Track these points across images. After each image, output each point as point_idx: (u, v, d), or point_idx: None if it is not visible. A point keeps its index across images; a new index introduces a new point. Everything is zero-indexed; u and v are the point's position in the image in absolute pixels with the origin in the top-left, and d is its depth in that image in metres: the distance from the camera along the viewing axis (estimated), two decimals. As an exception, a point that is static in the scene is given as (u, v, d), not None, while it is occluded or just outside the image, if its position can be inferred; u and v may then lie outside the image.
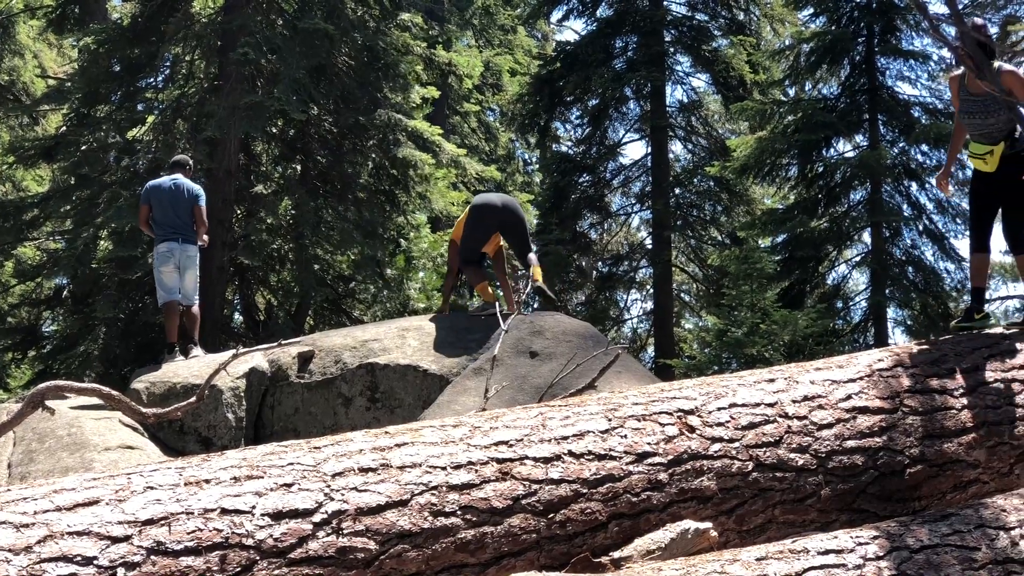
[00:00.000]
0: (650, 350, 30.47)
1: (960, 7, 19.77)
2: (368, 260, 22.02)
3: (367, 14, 21.71)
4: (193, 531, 4.99)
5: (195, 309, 14.50)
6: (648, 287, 31.93)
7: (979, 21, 8.99)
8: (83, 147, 20.61)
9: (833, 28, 25.11)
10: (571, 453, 5.96)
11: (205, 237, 14.46)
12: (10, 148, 22.75)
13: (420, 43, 22.39)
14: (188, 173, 14.67)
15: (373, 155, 21.47)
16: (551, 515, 5.70)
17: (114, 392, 7.88)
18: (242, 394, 12.89)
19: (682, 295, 34.81)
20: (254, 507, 5.17)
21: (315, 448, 5.73)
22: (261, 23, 20.59)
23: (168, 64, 22.38)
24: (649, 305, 32.07)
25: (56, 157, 21.38)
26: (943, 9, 21.32)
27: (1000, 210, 9.32)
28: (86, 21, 21.87)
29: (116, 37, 20.60)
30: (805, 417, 6.62)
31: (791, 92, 28.57)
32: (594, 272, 31.80)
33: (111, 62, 21.08)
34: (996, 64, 8.83)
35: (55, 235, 23.47)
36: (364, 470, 5.53)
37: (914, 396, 6.98)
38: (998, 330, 8.48)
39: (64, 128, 21.73)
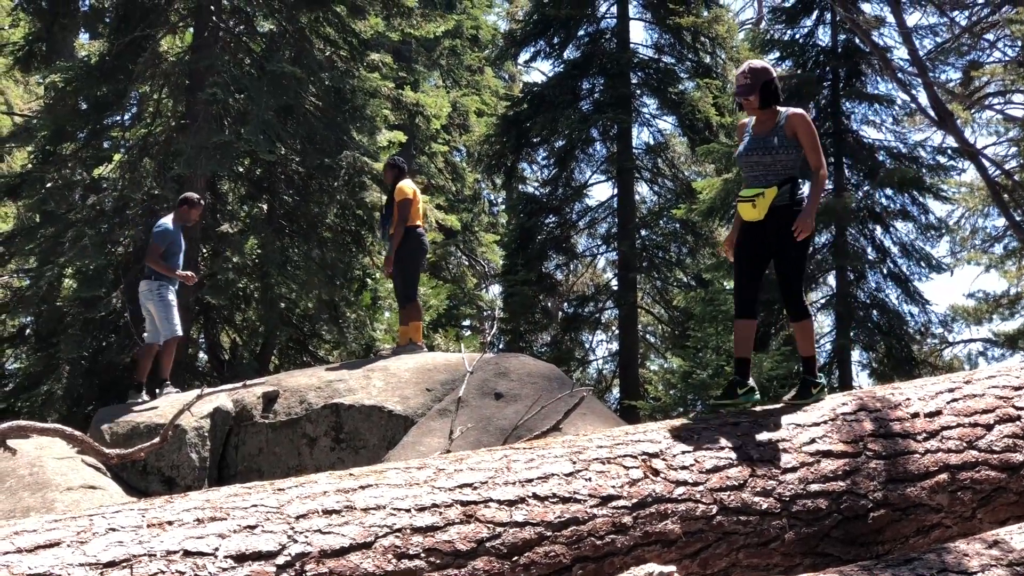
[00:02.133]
0: (615, 391, 30.46)
1: (923, 54, 19.95)
2: (334, 300, 21.98)
3: (335, 54, 21.74)
4: (155, 573, 4.98)
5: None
6: (613, 328, 32.02)
7: (758, 64, 8.35)
8: (48, 184, 20.53)
9: (799, 72, 25.29)
10: (535, 496, 5.97)
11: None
12: (-26, 185, 22.64)
13: (388, 83, 22.43)
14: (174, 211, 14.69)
15: (339, 196, 21.45)
16: (515, 558, 5.70)
17: (77, 433, 7.85)
18: (206, 434, 12.84)
19: (647, 336, 34.89)
20: (217, 549, 5.16)
21: (279, 490, 5.73)
22: (229, 63, 20.59)
23: (135, 102, 22.34)
24: (614, 346, 32.16)
25: (21, 195, 21.27)
26: (908, 54, 21.47)
27: (775, 269, 8.34)
28: (53, 59, 21.80)
29: (84, 75, 20.53)
30: (769, 461, 6.64)
31: (757, 135, 28.72)
32: (560, 313, 31.79)
33: (78, 100, 21.02)
34: (783, 109, 8.32)
35: (19, 273, 23.34)
36: (328, 512, 5.53)
37: (877, 440, 7.01)
38: (779, 405, 7.87)
39: (30, 165, 21.65)
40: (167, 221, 14.35)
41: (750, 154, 8.29)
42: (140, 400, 13.88)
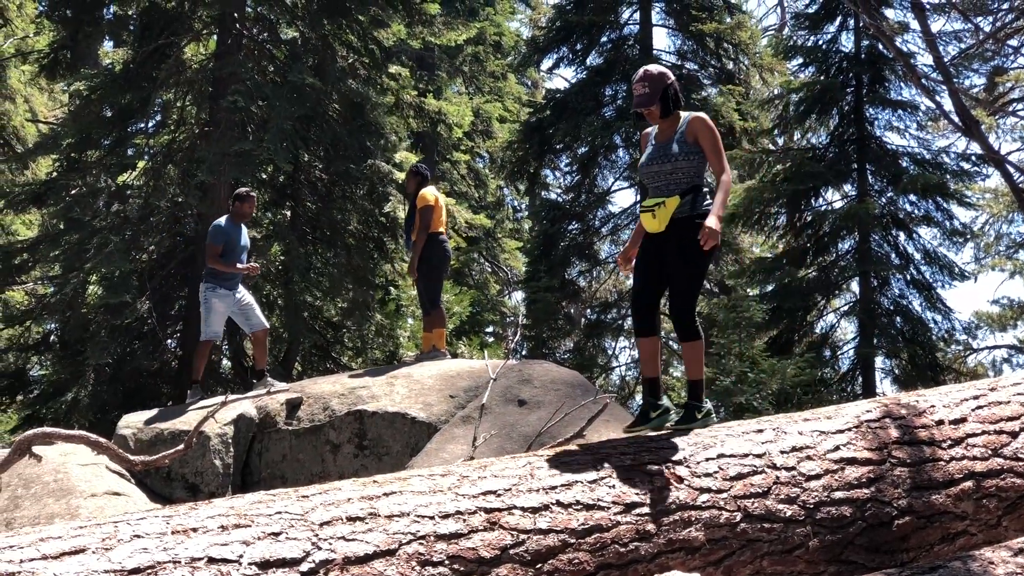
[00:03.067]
0: (637, 398, 30.41)
1: (948, 60, 19.89)
2: (357, 306, 22.01)
3: (358, 62, 21.77)
4: (180, 580, 4.98)
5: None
6: (636, 335, 31.95)
7: (655, 69, 7.86)
8: (73, 192, 20.58)
9: (822, 78, 25.26)
10: (559, 503, 5.97)
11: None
12: (0, 193, 22.71)
13: (411, 91, 22.45)
14: (228, 210, 14.71)
15: (362, 203, 21.48)
16: (539, 565, 5.69)
17: (102, 440, 7.87)
18: (230, 441, 12.87)
19: (670, 343, 34.81)
20: (241, 556, 5.16)
21: (303, 497, 5.73)
22: (252, 70, 20.64)
23: (159, 110, 22.41)
24: (637, 353, 32.06)
25: (46, 202, 21.33)
26: (933, 60, 21.39)
27: (669, 282, 7.80)
28: (78, 66, 21.88)
29: (108, 82, 20.60)
30: (793, 468, 6.62)
31: (780, 141, 28.71)
32: (582, 319, 31.77)
33: (102, 107, 21.07)
34: (684, 114, 7.88)
35: (44, 280, 23.42)
36: (352, 519, 5.53)
37: (902, 447, 6.97)
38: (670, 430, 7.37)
39: (54, 173, 21.71)
40: (221, 220, 14.37)
41: (651, 164, 7.86)
42: (199, 398, 13.95)
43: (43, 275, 22.96)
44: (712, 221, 7.39)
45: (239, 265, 14.28)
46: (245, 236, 14.45)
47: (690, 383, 7.74)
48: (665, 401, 7.65)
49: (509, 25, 38.44)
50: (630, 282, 33.12)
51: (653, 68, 7.93)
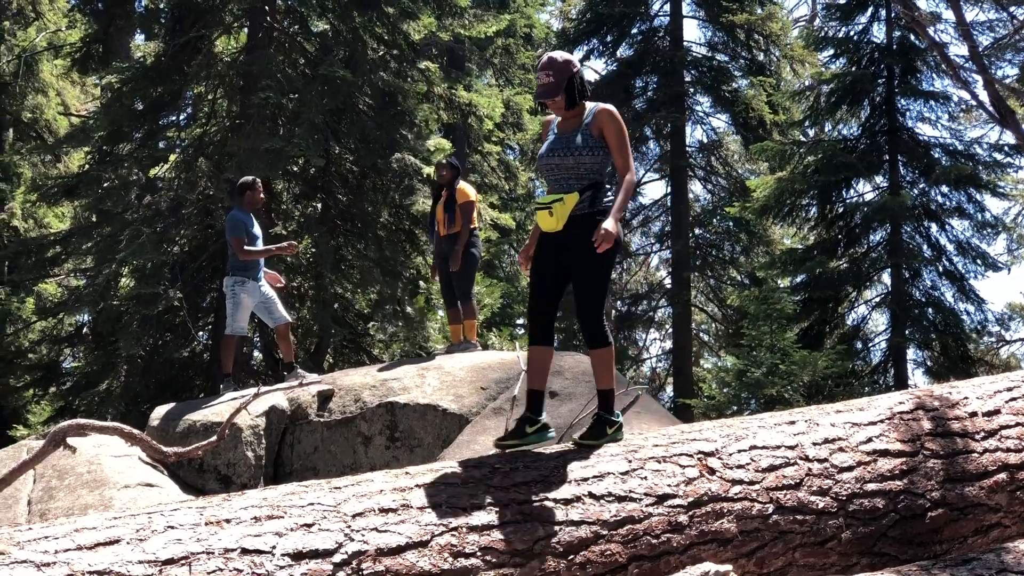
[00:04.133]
0: (669, 389, 30.44)
1: (980, 50, 19.81)
2: (387, 299, 22.04)
3: (388, 55, 21.78)
4: (214, 571, 5.01)
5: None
6: (667, 326, 31.98)
7: (560, 57, 7.26)
8: (105, 184, 20.67)
9: (853, 69, 25.16)
10: (591, 494, 5.97)
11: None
12: (33, 186, 22.82)
13: (441, 84, 22.44)
14: (238, 200, 14.59)
15: (393, 195, 21.49)
16: (571, 556, 5.70)
17: (136, 431, 7.89)
18: (262, 432, 12.90)
19: (701, 335, 34.80)
20: (274, 547, 5.19)
21: (336, 488, 5.75)
22: (283, 63, 20.68)
23: (190, 103, 22.48)
24: (668, 344, 32.16)
25: (78, 195, 21.42)
26: (966, 50, 21.30)
27: (573, 286, 7.30)
28: (109, 60, 21.96)
29: (139, 76, 20.67)
30: (826, 460, 6.61)
31: (811, 133, 28.64)
32: (613, 311, 31.78)
33: (134, 100, 21.15)
34: (590, 104, 7.30)
35: (76, 272, 23.53)
36: (384, 510, 5.55)
37: (935, 439, 6.95)
38: (558, 447, 6.92)
39: (86, 166, 21.80)
40: (235, 212, 14.28)
41: (551, 155, 7.28)
42: (231, 390, 13.96)
43: (75, 267, 23.07)
44: (609, 223, 6.88)
45: (275, 247, 14.27)
46: (257, 226, 14.35)
47: (600, 393, 7.22)
48: (544, 417, 7.13)
49: (539, 17, 38.43)
50: (661, 273, 33.32)
51: (558, 55, 7.37)
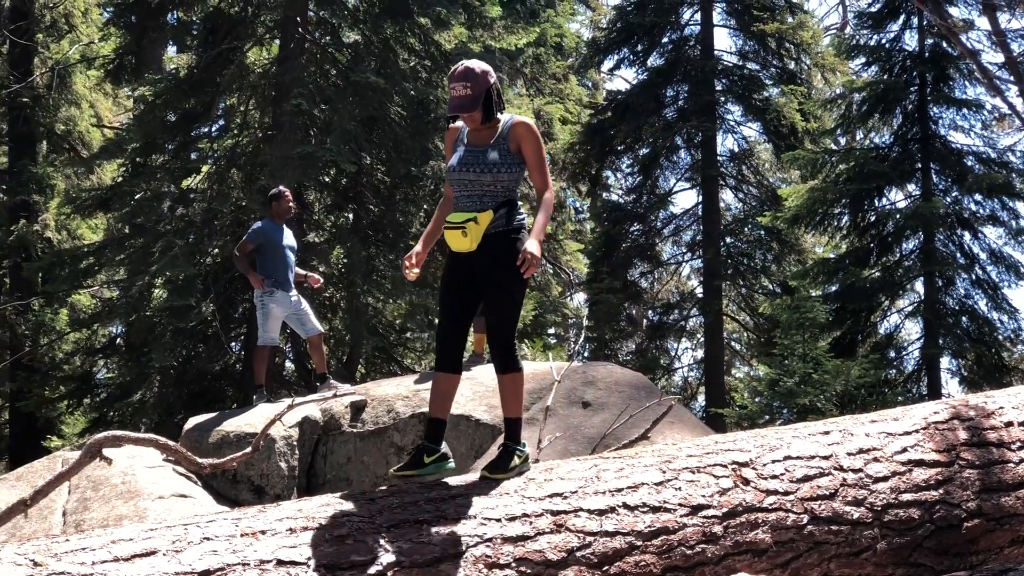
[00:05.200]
0: (700, 399, 30.37)
1: (1015, 55, 19.72)
2: (419, 309, 22.06)
3: (419, 65, 21.82)
4: (250, 582, 5.03)
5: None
6: (699, 336, 31.85)
7: (477, 67, 6.82)
8: (138, 196, 20.75)
9: (885, 77, 25.06)
10: (625, 505, 5.97)
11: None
12: (66, 198, 22.93)
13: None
14: (267, 211, 14.65)
15: (425, 205, 21.52)
16: (606, 567, 5.70)
17: (171, 443, 7.93)
18: (295, 443, 12.94)
19: (733, 344, 34.68)
20: (310, 559, 5.20)
21: (370, 500, 5.77)
22: (315, 74, 20.75)
23: (223, 114, 22.57)
24: (699, 354, 31.98)
25: (112, 206, 21.52)
26: (999, 57, 21.24)
27: (484, 307, 6.92)
28: (142, 72, 22.05)
29: (172, 87, 20.76)
30: (861, 470, 6.59)
31: (843, 141, 28.56)
32: (644, 321, 31.73)
33: (167, 112, 21.24)
34: (504, 116, 6.92)
35: (110, 284, 23.63)
36: (419, 522, 5.56)
37: (971, 449, 6.92)
38: (463, 478, 6.61)
39: (119, 178, 21.90)
40: (262, 221, 14.32)
41: (465, 170, 6.85)
42: (264, 401, 13.97)
43: (109, 279, 23.16)
44: (532, 245, 6.53)
45: (251, 276, 14.22)
46: (289, 237, 14.26)
47: (507, 421, 6.87)
48: (444, 447, 6.82)
49: (570, 26, 38.41)
50: (692, 283, 33.25)
51: (475, 65, 6.89)
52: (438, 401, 6.98)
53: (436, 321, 15.63)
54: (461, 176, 6.84)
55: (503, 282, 6.73)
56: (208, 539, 5.22)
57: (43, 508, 11.15)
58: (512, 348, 6.80)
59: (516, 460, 6.54)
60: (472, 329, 15.30)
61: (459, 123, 7.10)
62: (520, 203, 6.95)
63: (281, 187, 14.75)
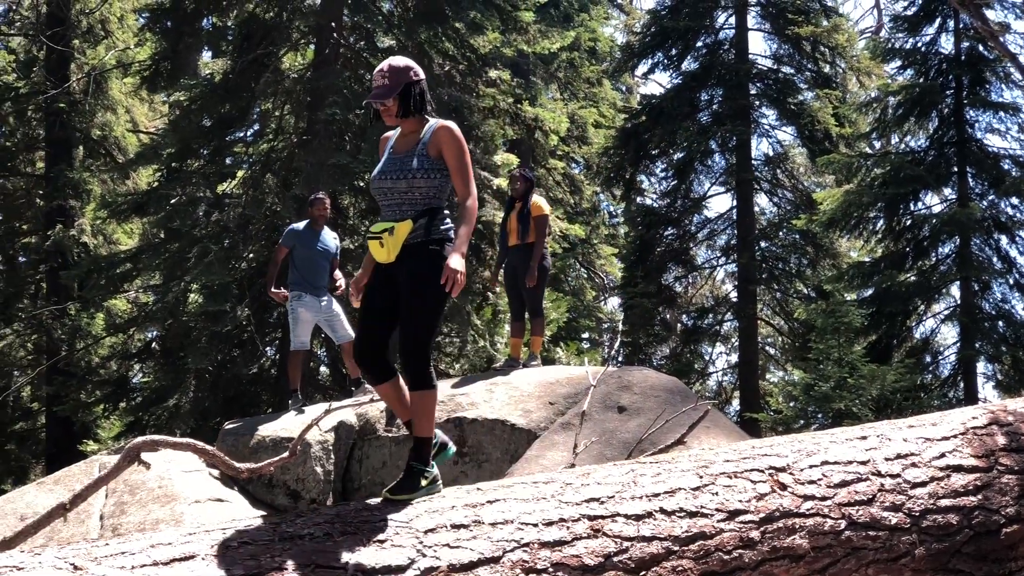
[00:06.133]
0: (735, 403, 30.33)
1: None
2: (454, 313, 22.08)
3: (454, 69, 21.86)
4: (288, 587, 5.04)
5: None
6: (733, 340, 31.86)
7: (400, 62, 6.71)
8: (173, 201, 20.84)
9: (921, 81, 24.99)
10: (663, 510, 5.95)
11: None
12: (102, 203, 23.05)
13: (507, 98, 22.48)
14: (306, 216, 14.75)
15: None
16: (643, 572, 5.69)
17: (209, 447, 7.96)
18: (330, 448, 12.98)
19: (767, 348, 34.65)
20: (347, 563, 5.21)
21: (407, 504, 5.78)
22: (349, 79, 20.80)
23: (258, 119, 22.66)
24: (734, 358, 32.02)
25: (147, 211, 21.62)
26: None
27: (400, 320, 6.64)
28: (178, 77, 22.14)
29: (207, 93, 20.86)
30: (898, 475, 6.55)
31: (878, 145, 28.49)
32: (679, 325, 31.70)
33: (202, 117, 21.34)
34: (431, 120, 6.73)
35: (146, 289, 23.75)
36: (456, 526, 5.56)
37: (1010, 455, 6.88)
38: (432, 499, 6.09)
39: (155, 183, 22.01)
40: (299, 224, 14.36)
41: (384, 178, 6.67)
42: (299, 406, 14.00)
43: (145, 284, 23.28)
44: (456, 261, 6.34)
45: (271, 291, 14.27)
46: (328, 241, 14.24)
47: (416, 441, 6.58)
48: (435, 468, 6.55)
49: (604, 31, 38.47)
50: (727, 287, 33.20)
51: (398, 60, 6.78)
52: (396, 408, 6.87)
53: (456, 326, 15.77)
54: (380, 184, 6.69)
55: (418, 296, 6.50)
56: (247, 543, 5.24)
57: (80, 512, 11.22)
58: (425, 364, 6.54)
59: (422, 482, 6.29)
60: (511, 333, 15.34)
61: (389, 133, 6.95)
62: (446, 212, 6.72)
63: (320, 192, 14.82)
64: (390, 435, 13.17)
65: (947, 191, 25.51)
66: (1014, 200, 24.50)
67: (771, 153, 30.32)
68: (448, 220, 6.68)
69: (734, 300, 29.96)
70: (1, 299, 27.23)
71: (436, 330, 6.65)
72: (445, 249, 6.55)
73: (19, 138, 27.97)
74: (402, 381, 6.72)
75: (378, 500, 5.98)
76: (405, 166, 6.58)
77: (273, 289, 14.14)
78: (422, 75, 6.83)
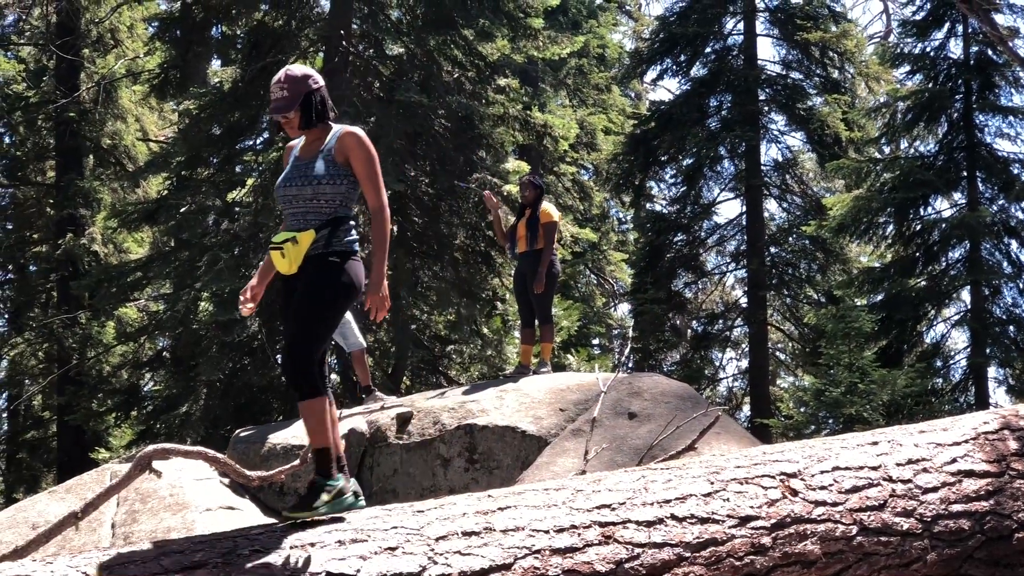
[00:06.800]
0: (746, 409, 30.27)
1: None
2: (464, 320, 22.09)
3: (463, 76, 21.87)
4: (300, 594, 5.05)
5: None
6: (743, 346, 31.81)
7: (297, 71, 6.56)
8: (183, 210, 20.87)
9: (930, 85, 24.96)
10: (674, 516, 5.95)
11: None
12: (113, 211, 23.09)
13: (516, 105, 22.49)
14: None
15: (469, 217, 21.55)
16: (654, 579, 5.68)
17: (220, 455, 7.97)
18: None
19: (778, 354, 34.59)
20: (359, 570, 5.23)
21: (418, 511, 5.78)
22: (358, 87, 20.81)
23: (267, 127, 22.65)
24: (744, 364, 31.94)
25: (158, 220, 21.65)
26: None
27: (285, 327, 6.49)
28: (187, 86, 22.17)
29: (217, 101, 20.88)
30: (910, 480, 6.55)
31: (887, 150, 28.44)
32: (689, 331, 31.68)
33: (211, 126, 21.36)
34: (336, 127, 6.58)
35: (156, 297, 23.78)
36: (467, 533, 5.56)
37: (1021, 459, 6.86)
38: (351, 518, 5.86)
39: (165, 191, 22.04)
40: None
41: (288, 185, 6.46)
42: (377, 400, 14.05)
43: (155, 293, 23.31)
44: (376, 288, 6.29)
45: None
46: None
47: (315, 453, 6.27)
48: (340, 481, 6.19)
49: (612, 37, 38.48)
50: (737, 293, 33.17)
51: (296, 69, 6.61)
52: (315, 430, 6.35)
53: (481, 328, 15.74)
54: (284, 192, 6.48)
55: (310, 307, 6.23)
56: (258, 551, 5.24)
57: (92, 520, 11.21)
58: (310, 374, 6.20)
59: (324, 496, 6.01)
60: (522, 339, 15.35)
61: (294, 141, 6.75)
62: (351, 223, 6.46)
63: None
64: (401, 443, 13.17)
65: (957, 196, 25.48)
66: (1024, 204, 24.49)
67: (780, 159, 30.26)
68: (352, 232, 6.45)
69: (744, 306, 29.92)
70: (12, 308, 27.38)
71: (322, 341, 6.29)
72: (346, 262, 6.36)
73: (29, 147, 28.08)
74: (327, 405, 6.31)
75: (388, 507, 5.98)
76: (310, 172, 6.39)
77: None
78: (321, 81, 6.68)
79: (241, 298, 6.68)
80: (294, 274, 6.34)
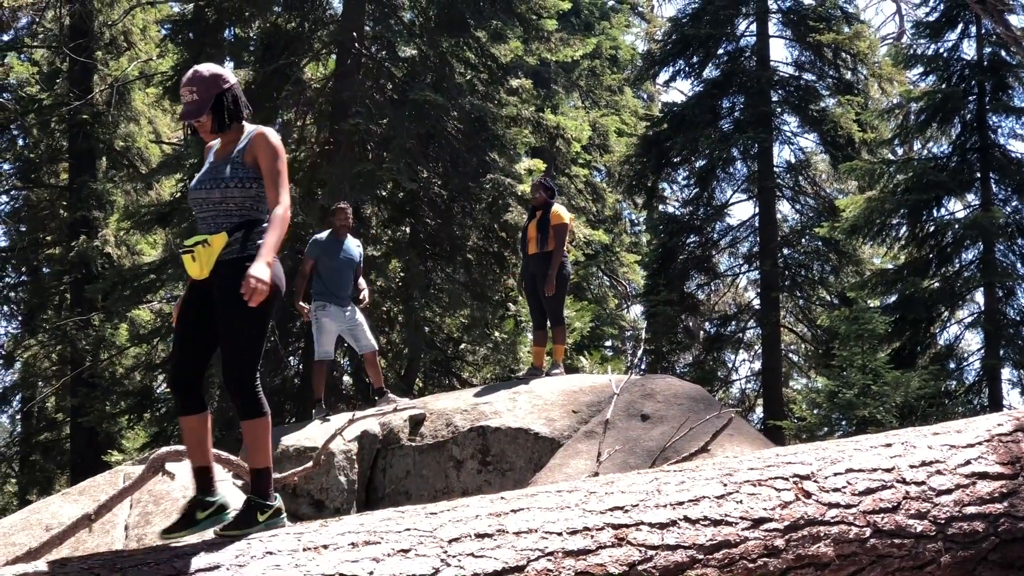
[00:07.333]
0: (758, 411, 30.24)
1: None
2: (477, 322, 22.09)
3: (476, 78, 21.88)
4: (313, 596, 5.04)
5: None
6: (756, 348, 31.77)
7: (206, 71, 6.32)
8: (196, 212, 20.89)
9: (943, 87, 24.90)
10: (687, 518, 5.93)
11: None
12: (126, 213, 23.12)
13: (529, 106, 22.50)
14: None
15: (482, 218, 21.55)
16: (667, 581, 5.67)
17: (232, 457, 7.98)
18: (354, 457, 12.97)
19: (790, 355, 34.54)
20: (372, 572, 5.21)
21: (431, 513, 5.76)
22: (371, 89, 20.82)
23: (280, 129, 22.69)
24: (757, 365, 31.91)
25: (170, 222, 21.68)
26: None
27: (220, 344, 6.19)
28: (200, 88, 22.16)
29: (230, 103, 20.91)
30: (923, 482, 6.53)
31: (900, 151, 28.41)
32: (702, 333, 31.67)
33: (224, 128, 21.38)
34: (249, 127, 6.40)
35: (169, 299, 23.81)
36: (480, 535, 5.55)
37: (1035, 461, 6.86)
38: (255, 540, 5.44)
39: (178, 193, 22.07)
40: (322, 235, 14.49)
41: (199, 188, 6.28)
42: (323, 416, 14.04)
43: (168, 295, 23.34)
44: (258, 269, 5.88)
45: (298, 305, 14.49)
46: (352, 250, 14.27)
47: (253, 472, 6.23)
48: (219, 496, 6.19)
49: (625, 39, 38.48)
50: (749, 294, 33.16)
51: (204, 69, 6.36)
52: (194, 447, 6.29)
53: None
54: (195, 195, 6.31)
55: (235, 316, 6.04)
56: (271, 553, 5.23)
57: (105, 522, 11.22)
58: (251, 389, 6.13)
59: (260, 516, 6.00)
60: (534, 341, 15.34)
61: (212, 143, 6.55)
62: (266, 226, 6.19)
63: (342, 202, 14.90)
64: (414, 444, 13.18)
65: (970, 197, 25.45)
66: (1038, 205, 24.44)
67: (793, 160, 30.24)
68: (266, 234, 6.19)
69: (757, 307, 29.89)
70: (26, 310, 27.42)
71: (259, 352, 6.18)
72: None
73: (43, 150, 28.12)
74: (209, 423, 6.29)
75: (401, 509, 5.97)
76: (219, 176, 6.21)
77: (300, 303, 14.26)
78: (232, 79, 6.45)
79: (174, 311, 6.50)
80: (205, 279, 6.15)
